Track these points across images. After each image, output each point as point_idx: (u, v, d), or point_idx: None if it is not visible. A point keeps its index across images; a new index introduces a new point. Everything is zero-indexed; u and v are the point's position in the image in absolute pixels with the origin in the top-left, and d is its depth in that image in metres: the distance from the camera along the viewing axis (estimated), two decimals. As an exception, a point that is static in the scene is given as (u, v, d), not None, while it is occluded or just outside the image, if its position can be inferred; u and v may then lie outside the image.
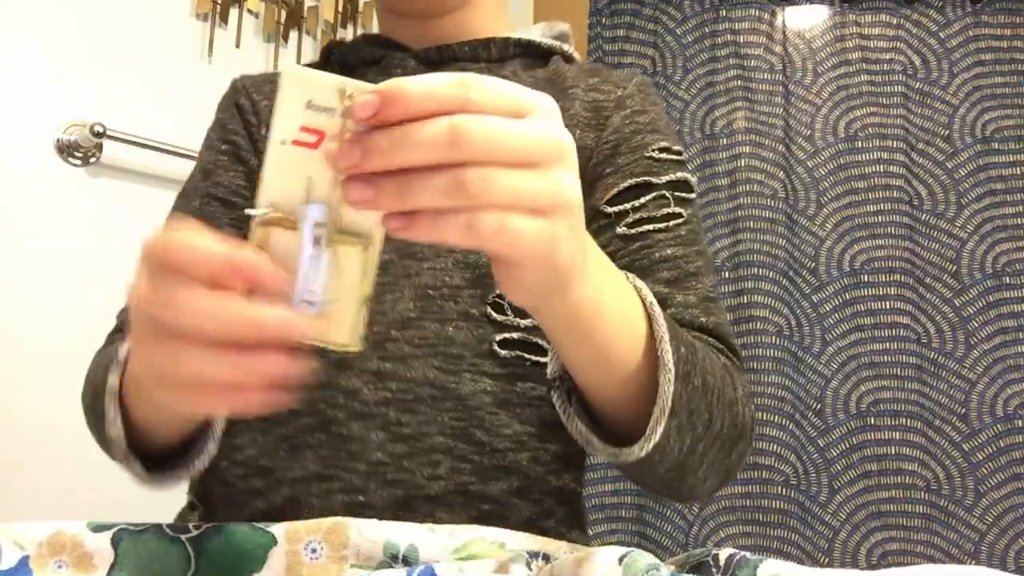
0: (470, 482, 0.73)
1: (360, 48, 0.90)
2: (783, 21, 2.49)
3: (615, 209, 0.80)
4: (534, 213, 0.42)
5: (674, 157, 0.83)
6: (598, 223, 0.80)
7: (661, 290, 0.76)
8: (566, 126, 0.84)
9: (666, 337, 0.59)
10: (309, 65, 1.01)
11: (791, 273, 2.39)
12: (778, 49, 2.47)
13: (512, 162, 0.41)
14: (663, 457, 0.62)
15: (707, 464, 0.66)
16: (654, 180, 0.80)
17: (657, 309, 0.60)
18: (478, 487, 0.73)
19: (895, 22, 2.47)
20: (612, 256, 0.75)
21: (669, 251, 0.78)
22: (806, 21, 2.50)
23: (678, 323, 0.71)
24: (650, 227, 0.79)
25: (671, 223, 0.79)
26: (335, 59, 0.92)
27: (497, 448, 0.74)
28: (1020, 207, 2.36)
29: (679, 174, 0.82)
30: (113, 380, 0.62)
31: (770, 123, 2.44)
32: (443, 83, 0.40)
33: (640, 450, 0.60)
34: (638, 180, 0.80)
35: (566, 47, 0.92)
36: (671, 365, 0.58)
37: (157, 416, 0.62)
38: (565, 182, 0.43)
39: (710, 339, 0.74)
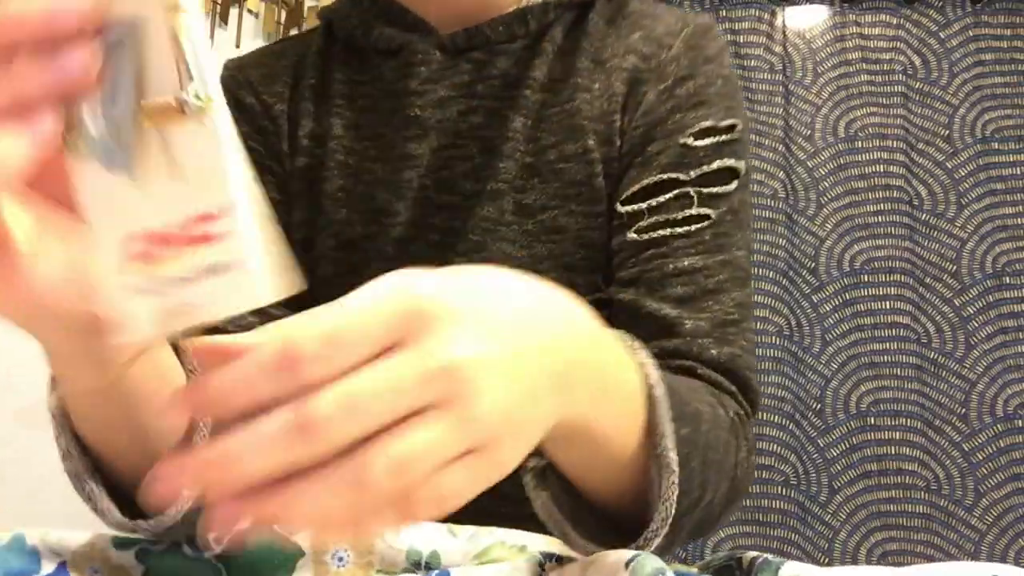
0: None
1: (371, 28, 0.76)
2: (783, 21, 2.49)
3: (628, 209, 0.69)
4: (457, 462, 0.33)
5: (716, 140, 0.69)
6: (614, 225, 0.71)
7: (669, 313, 0.66)
8: (605, 111, 0.73)
9: (668, 433, 0.49)
10: (302, 37, 0.84)
11: (791, 273, 2.39)
12: (778, 49, 2.47)
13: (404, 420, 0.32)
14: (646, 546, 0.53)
15: (688, 531, 0.57)
16: (682, 176, 0.68)
17: (660, 391, 0.49)
18: None
19: (895, 22, 2.47)
20: (622, 265, 0.69)
21: (687, 262, 0.67)
22: (806, 21, 2.50)
23: (684, 356, 0.64)
24: (667, 232, 0.67)
25: (694, 227, 0.67)
26: (340, 37, 0.78)
27: (524, 497, 0.71)
28: (1020, 207, 2.37)
29: (717, 163, 0.68)
30: (53, 399, 0.51)
31: (770, 123, 2.44)
32: (260, 366, 0.31)
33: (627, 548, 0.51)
34: (661, 177, 0.69)
35: None
36: (675, 467, 0.49)
37: (95, 421, 0.50)
38: (477, 413, 0.33)
39: (720, 378, 0.64)
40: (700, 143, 0.69)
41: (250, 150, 0.76)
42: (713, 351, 0.65)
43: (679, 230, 0.67)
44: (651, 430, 0.49)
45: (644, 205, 0.68)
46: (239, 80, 0.80)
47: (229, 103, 0.84)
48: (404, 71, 0.74)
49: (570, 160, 0.71)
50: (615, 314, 0.69)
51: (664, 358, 0.63)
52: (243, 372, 0.31)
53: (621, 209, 0.69)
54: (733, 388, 0.64)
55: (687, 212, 0.68)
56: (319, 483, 0.31)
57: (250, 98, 0.79)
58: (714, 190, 0.68)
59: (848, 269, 2.38)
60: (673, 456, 0.49)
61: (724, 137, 0.70)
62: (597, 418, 0.45)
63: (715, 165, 0.68)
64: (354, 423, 0.31)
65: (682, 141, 0.69)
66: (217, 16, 1.85)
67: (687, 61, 0.71)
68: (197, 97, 0.33)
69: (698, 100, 0.70)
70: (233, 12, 1.88)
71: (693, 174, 0.68)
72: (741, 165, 0.69)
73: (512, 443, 0.35)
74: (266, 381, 0.31)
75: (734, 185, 0.69)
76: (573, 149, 0.71)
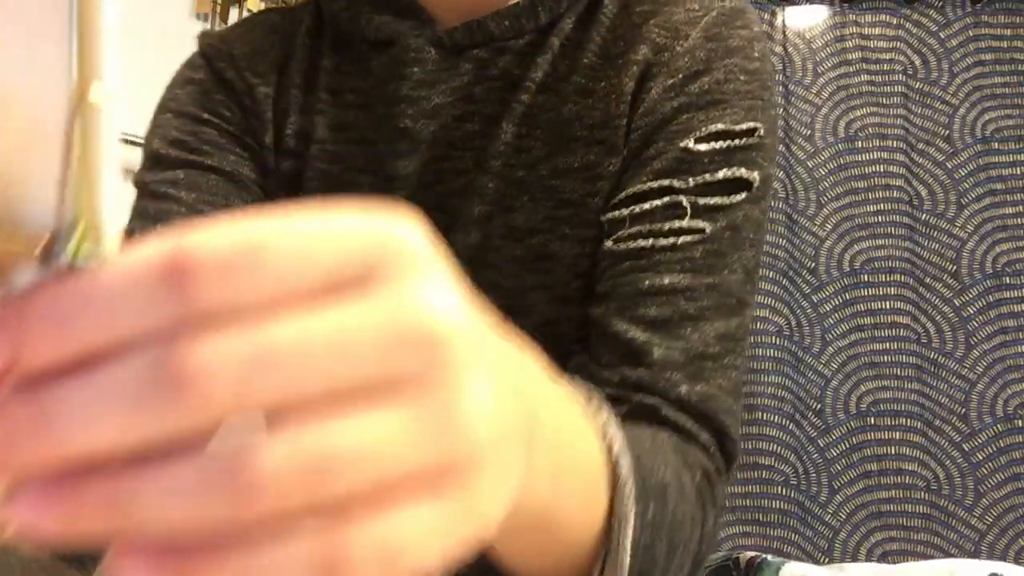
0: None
1: (358, 13, 0.67)
2: (783, 21, 2.49)
3: (610, 216, 0.60)
4: (421, 491, 0.20)
5: (727, 144, 0.59)
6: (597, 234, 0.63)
7: (638, 336, 0.56)
8: (611, 115, 0.64)
9: (630, 518, 0.41)
10: (293, 11, 0.72)
11: (791, 273, 2.39)
12: (778, 49, 2.47)
13: (348, 405, 0.19)
14: None
15: None
16: (676, 183, 0.58)
17: (624, 469, 0.41)
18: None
19: (895, 22, 2.47)
20: (599, 278, 0.60)
21: (667, 280, 0.57)
22: (806, 21, 2.50)
23: (649, 390, 0.55)
24: (648, 243, 0.58)
25: (681, 239, 0.57)
26: (328, 23, 0.70)
27: None
28: (1020, 207, 2.37)
29: (724, 172, 0.59)
30: None
31: (770, 123, 2.44)
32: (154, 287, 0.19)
33: None
34: (652, 184, 0.59)
35: None
36: (625, 568, 0.42)
37: None
38: (460, 409, 0.20)
39: (690, 423, 0.54)
40: (705, 147, 0.59)
41: (225, 120, 0.69)
42: (683, 388, 0.55)
43: (663, 242, 0.57)
44: (611, 510, 0.41)
45: (626, 212, 0.59)
46: (221, 52, 0.71)
47: (208, 76, 0.71)
48: (395, 71, 0.65)
49: (562, 176, 0.62)
50: (588, 335, 0.61)
51: (627, 389, 0.55)
52: (100, 288, 0.19)
53: (603, 218, 0.60)
54: (704, 437, 0.54)
55: (676, 224, 0.58)
56: (166, 475, 0.18)
57: (231, 73, 0.70)
58: (713, 201, 0.58)
59: (848, 269, 2.38)
60: (627, 550, 0.41)
61: (738, 142, 0.60)
62: (555, 499, 0.35)
63: (720, 174, 0.59)
64: (255, 387, 0.18)
65: (682, 145, 0.59)
66: (217, 16, 1.85)
67: (704, 54, 0.62)
68: (77, 256, 0.20)
69: (712, 99, 0.61)
70: (233, 12, 1.89)
71: (692, 182, 0.58)
72: (754, 176, 0.59)
73: (494, 477, 0.21)
74: (135, 304, 0.18)
75: (740, 197, 0.59)
76: (567, 163, 0.62)
